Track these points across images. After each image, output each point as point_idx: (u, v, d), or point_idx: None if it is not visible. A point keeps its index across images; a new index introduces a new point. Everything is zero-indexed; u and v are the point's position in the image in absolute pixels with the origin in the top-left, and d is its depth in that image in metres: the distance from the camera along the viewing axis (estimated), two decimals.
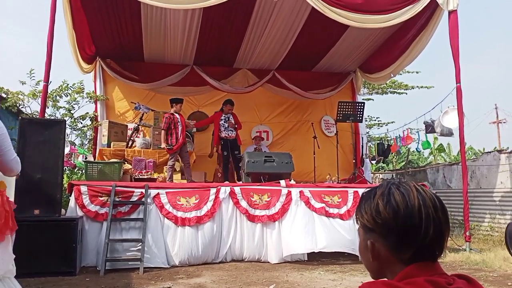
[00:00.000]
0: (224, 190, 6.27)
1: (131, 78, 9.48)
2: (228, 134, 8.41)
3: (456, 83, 7.20)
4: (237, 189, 6.35)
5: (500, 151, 8.88)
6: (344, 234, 6.15)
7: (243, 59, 9.87)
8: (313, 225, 6.21)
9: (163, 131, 7.55)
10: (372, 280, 0.99)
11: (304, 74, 10.46)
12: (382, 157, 11.49)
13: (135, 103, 8.59)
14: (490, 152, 9.18)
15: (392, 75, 9.89)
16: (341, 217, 6.37)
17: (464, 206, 6.97)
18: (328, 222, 6.29)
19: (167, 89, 9.79)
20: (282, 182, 6.64)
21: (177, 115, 7.67)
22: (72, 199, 5.84)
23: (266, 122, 10.53)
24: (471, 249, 6.76)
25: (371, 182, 9.77)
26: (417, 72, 16.95)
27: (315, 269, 5.58)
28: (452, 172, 10.05)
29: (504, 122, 18.60)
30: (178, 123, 7.59)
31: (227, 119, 8.48)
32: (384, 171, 17.93)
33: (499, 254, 6.25)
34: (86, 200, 5.80)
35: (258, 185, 6.62)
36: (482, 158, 9.19)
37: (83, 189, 5.85)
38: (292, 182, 6.82)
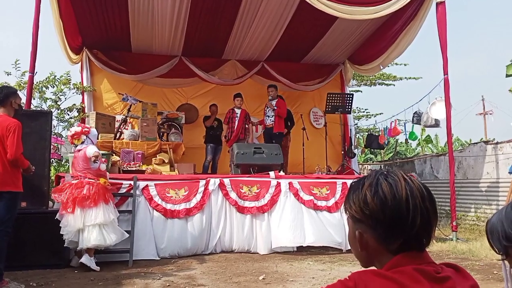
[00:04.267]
0: (214, 182, 6.26)
1: (119, 69, 9.36)
2: (266, 122, 8.63)
3: (444, 75, 7.25)
4: (226, 181, 6.34)
5: (486, 142, 8.98)
6: (330, 231, 6.24)
7: (231, 50, 9.79)
8: (302, 219, 6.24)
9: (225, 125, 8.53)
10: (362, 269, 1.00)
11: (293, 65, 10.44)
12: (368, 148, 11.56)
13: (123, 94, 8.49)
14: (476, 143, 9.27)
15: (381, 67, 9.92)
16: (329, 209, 6.42)
17: (451, 197, 7.07)
18: (316, 217, 6.34)
19: (155, 80, 9.71)
20: (272, 173, 6.65)
21: (236, 110, 8.48)
22: None
23: (255, 114, 10.46)
24: (457, 238, 6.87)
25: (359, 173, 9.83)
26: (405, 65, 17.06)
27: (304, 260, 5.62)
28: (439, 163, 10.15)
29: (490, 114, 18.75)
30: (236, 118, 8.32)
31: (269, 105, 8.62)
32: (373, 162, 18.06)
33: (485, 243, 6.27)
34: None
35: (247, 177, 6.62)
36: (469, 149, 9.29)
37: None
38: (281, 173, 6.83)
